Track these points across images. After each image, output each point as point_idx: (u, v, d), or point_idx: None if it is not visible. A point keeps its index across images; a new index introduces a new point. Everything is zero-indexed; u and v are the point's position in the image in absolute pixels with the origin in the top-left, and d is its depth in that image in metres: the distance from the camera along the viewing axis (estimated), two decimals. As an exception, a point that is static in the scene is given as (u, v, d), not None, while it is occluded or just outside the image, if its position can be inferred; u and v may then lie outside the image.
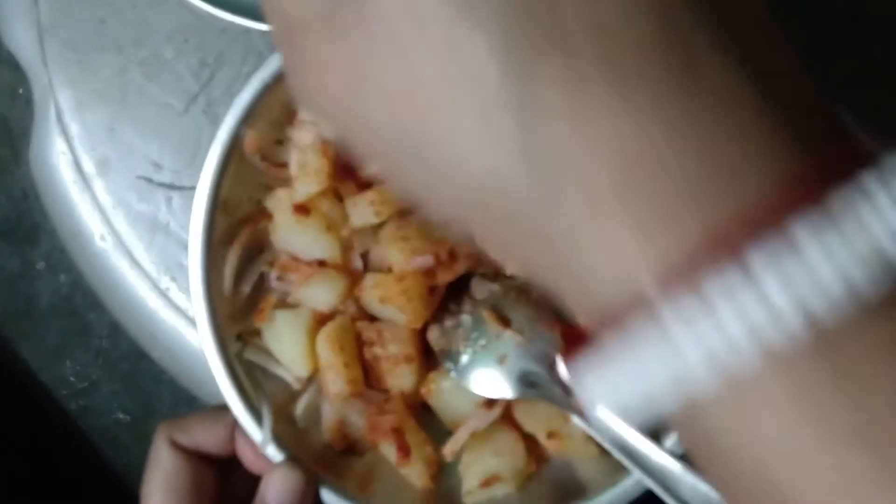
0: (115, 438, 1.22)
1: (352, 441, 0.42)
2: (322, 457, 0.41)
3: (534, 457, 0.40)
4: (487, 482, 0.40)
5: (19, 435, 1.19)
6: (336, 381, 0.40)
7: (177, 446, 0.40)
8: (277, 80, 0.38)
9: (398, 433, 0.40)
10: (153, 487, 0.39)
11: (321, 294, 0.40)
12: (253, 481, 0.40)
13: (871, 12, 0.44)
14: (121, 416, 1.23)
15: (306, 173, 0.39)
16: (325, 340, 0.40)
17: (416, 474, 0.40)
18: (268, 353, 0.41)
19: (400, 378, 0.40)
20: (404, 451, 0.40)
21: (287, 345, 0.41)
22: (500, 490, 0.40)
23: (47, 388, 1.22)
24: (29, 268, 1.22)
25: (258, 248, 0.41)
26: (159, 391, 1.24)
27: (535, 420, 0.40)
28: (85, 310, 1.23)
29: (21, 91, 0.90)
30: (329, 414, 0.42)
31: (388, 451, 0.40)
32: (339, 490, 0.39)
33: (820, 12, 0.44)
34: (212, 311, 0.39)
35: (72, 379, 1.23)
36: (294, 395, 0.42)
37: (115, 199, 0.45)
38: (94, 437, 1.22)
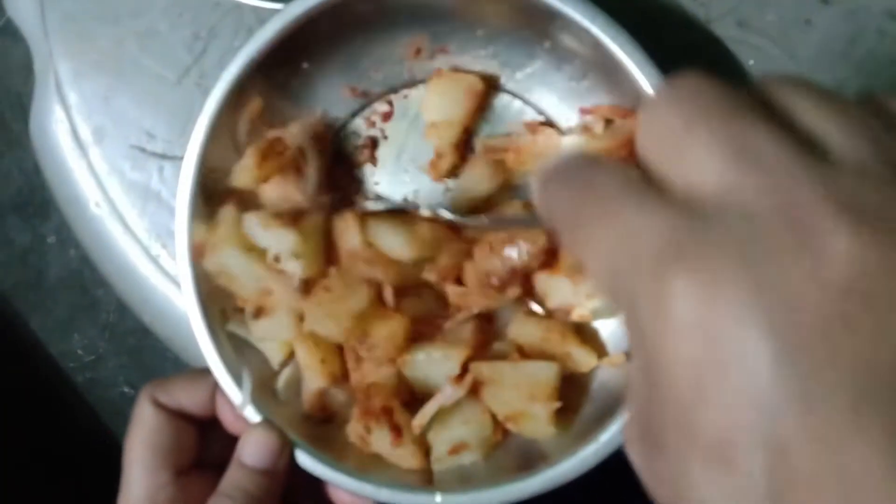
0: (121, 411, 1.24)
1: (331, 412, 0.43)
2: (300, 425, 0.42)
3: (499, 427, 0.41)
4: (455, 449, 0.41)
5: (27, 406, 1.20)
6: (313, 378, 0.41)
7: (159, 405, 0.41)
8: (264, 54, 0.39)
9: (388, 413, 0.41)
10: (135, 443, 0.41)
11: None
12: (231, 442, 0.41)
13: None
14: (126, 389, 1.25)
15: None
16: (301, 343, 0.41)
17: (408, 455, 0.41)
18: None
19: (384, 375, 0.41)
20: (397, 431, 0.40)
21: (265, 343, 0.42)
22: (467, 458, 0.41)
23: (55, 361, 1.24)
24: (40, 242, 1.24)
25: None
26: (164, 366, 1.26)
27: (498, 401, 0.41)
28: (94, 285, 1.25)
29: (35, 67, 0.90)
30: (309, 385, 0.42)
31: (381, 438, 0.40)
32: (314, 452, 0.40)
33: None
34: (197, 278, 0.40)
35: (79, 352, 1.25)
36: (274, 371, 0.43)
37: (110, 167, 0.46)
38: (99, 410, 1.24)
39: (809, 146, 0.19)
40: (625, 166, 0.22)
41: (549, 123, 0.44)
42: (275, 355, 0.42)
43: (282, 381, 0.42)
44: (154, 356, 1.26)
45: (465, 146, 0.44)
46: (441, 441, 0.41)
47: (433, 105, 0.44)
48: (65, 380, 1.26)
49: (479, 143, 0.44)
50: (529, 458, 0.40)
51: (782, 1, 0.44)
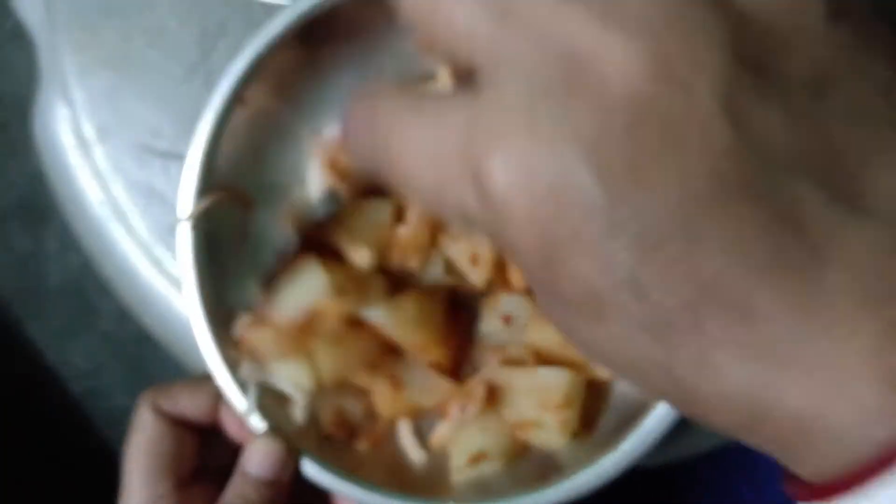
0: (119, 421, 1.22)
1: (353, 427, 0.42)
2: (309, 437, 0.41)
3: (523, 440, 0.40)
4: (475, 459, 0.39)
5: (23, 413, 1.19)
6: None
7: (160, 412, 0.40)
8: (271, 50, 0.39)
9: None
10: (135, 451, 0.39)
11: None
12: (234, 451, 0.40)
13: None
14: (125, 399, 1.23)
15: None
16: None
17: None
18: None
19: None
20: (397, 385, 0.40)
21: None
22: (487, 467, 0.39)
23: (53, 369, 1.23)
24: (40, 248, 1.23)
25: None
26: (163, 376, 1.24)
27: (510, 409, 0.40)
28: (94, 292, 1.24)
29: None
30: (326, 406, 0.41)
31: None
32: (321, 462, 0.39)
33: None
34: (199, 280, 0.39)
35: (78, 361, 1.24)
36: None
37: (114, 166, 0.45)
38: (97, 419, 1.23)
39: None
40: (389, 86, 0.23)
41: None
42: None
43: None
44: (154, 366, 1.24)
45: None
46: (460, 451, 0.40)
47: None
48: (62, 388, 1.25)
49: None
50: (550, 468, 0.38)
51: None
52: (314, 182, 0.42)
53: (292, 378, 0.40)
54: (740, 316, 0.18)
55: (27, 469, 1.13)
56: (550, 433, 0.39)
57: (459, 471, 0.40)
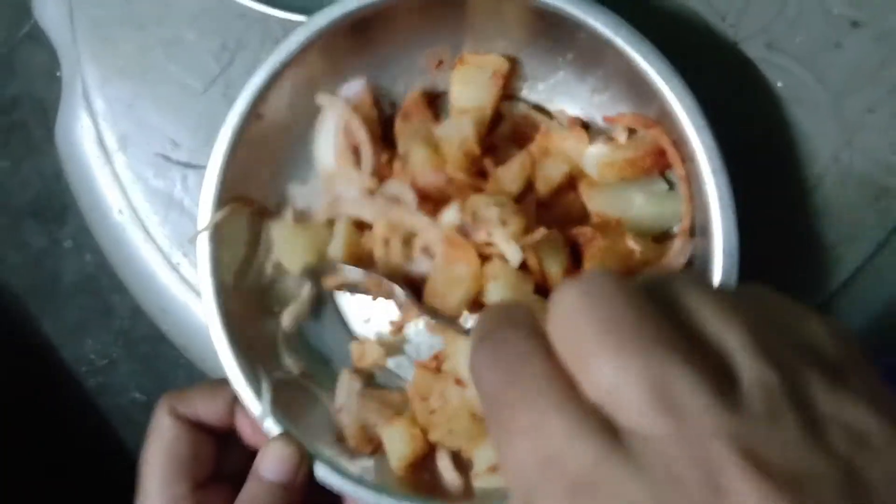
0: (131, 417, 1.23)
1: (378, 443, 0.42)
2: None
3: None
4: (493, 469, 0.40)
5: (36, 408, 1.20)
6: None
7: (178, 416, 0.41)
8: (287, 65, 0.39)
9: None
10: (153, 454, 0.40)
11: None
12: (249, 455, 0.41)
13: None
14: (137, 395, 1.25)
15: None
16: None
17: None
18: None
19: None
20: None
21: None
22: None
23: (67, 365, 1.24)
24: (56, 246, 1.25)
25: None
26: (176, 373, 1.26)
27: None
28: (108, 290, 1.25)
29: (58, 74, 0.92)
30: (349, 420, 0.42)
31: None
32: (335, 466, 0.40)
33: None
34: (217, 286, 0.40)
35: (91, 357, 1.25)
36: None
37: (134, 175, 0.46)
38: (109, 415, 1.24)
39: (720, 381, 0.20)
40: (549, 355, 0.22)
41: (585, 125, 0.43)
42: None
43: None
44: (167, 364, 1.25)
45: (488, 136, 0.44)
46: (481, 459, 0.41)
47: (462, 95, 0.43)
48: (75, 384, 1.26)
49: (514, 106, 0.44)
50: None
51: (812, 23, 0.43)
52: (325, 145, 0.43)
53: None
54: None
55: (40, 462, 1.15)
56: None
57: (479, 477, 0.41)
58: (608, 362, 0.21)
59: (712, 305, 0.22)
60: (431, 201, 0.41)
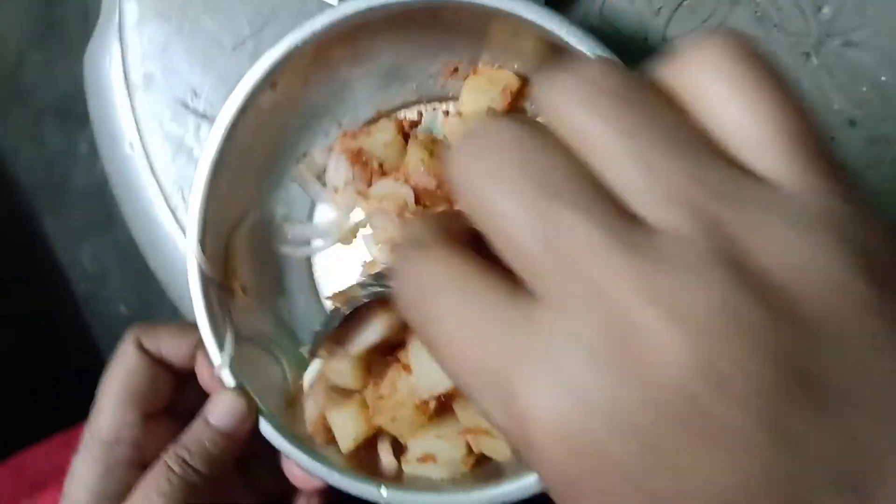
0: (112, 330, 1.26)
1: (332, 436, 0.43)
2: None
3: (472, 454, 0.42)
4: (423, 459, 0.42)
5: (22, 303, 1.22)
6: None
7: (142, 349, 0.43)
8: (307, 42, 0.41)
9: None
10: (112, 379, 0.43)
11: None
12: (204, 398, 0.43)
13: None
14: (122, 309, 1.27)
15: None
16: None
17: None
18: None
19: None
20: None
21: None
22: (434, 471, 0.42)
23: (61, 266, 1.26)
24: (72, 148, 1.27)
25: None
26: (163, 300, 1.28)
27: (464, 414, 0.42)
28: (114, 202, 1.27)
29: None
30: (312, 408, 0.44)
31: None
32: (278, 425, 0.42)
33: None
34: (202, 233, 0.42)
35: (86, 263, 1.28)
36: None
37: (151, 114, 0.48)
38: (92, 322, 1.26)
39: (622, 224, 0.19)
40: (448, 245, 0.21)
41: None
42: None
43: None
44: (157, 287, 1.28)
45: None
46: (415, 445, 0.42)
47: (470, 101, 0.44)
48: (66, 286, 1.28)
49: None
50: (492, 477, 0.41)
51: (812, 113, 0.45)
52: (335, 169, 0.45)
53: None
54: None
55: (20, 357, 1.17)
56: (499, 444, 0.41)
57: (408, 463, 0.43)
58: (506, 205, 0.19)
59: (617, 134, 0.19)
60: (423, 204, 0.43)
